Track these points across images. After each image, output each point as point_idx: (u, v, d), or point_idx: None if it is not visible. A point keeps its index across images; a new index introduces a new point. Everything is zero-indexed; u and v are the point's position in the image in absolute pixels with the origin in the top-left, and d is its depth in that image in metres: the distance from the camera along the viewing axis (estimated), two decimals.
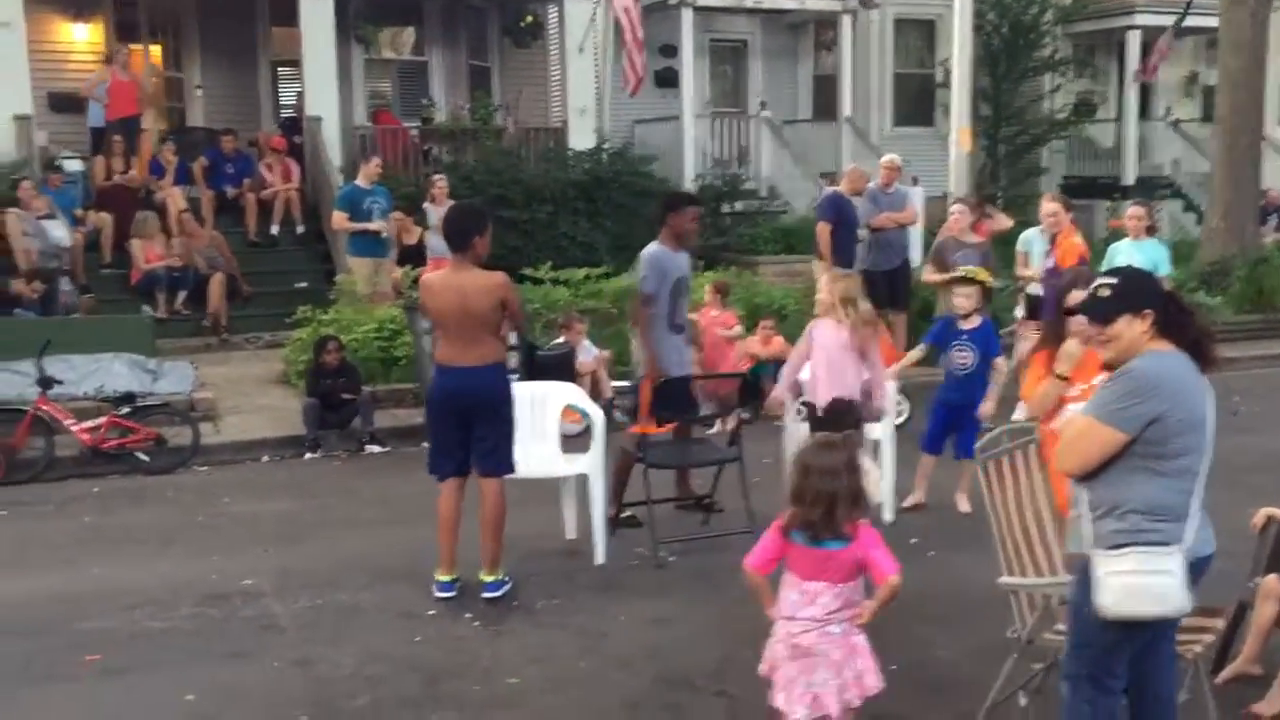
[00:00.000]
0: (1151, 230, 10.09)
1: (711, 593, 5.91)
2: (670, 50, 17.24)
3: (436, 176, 13.16)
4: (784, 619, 3.87)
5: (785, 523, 3.86)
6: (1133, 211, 10.04)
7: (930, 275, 9.64)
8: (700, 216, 7.13)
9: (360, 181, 12.20)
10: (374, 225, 11.84)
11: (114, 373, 9.59)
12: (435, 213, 12.87)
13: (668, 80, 17.55)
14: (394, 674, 5.02)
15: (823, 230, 11.05)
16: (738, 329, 10.23)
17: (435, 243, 12.62)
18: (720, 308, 10.29)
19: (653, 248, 6.78)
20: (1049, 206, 9.42)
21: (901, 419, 8.67)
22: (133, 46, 15.13)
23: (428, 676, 4.99)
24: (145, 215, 12.54)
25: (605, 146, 15.67)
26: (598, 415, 6.59)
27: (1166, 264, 9.59)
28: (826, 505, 3.74)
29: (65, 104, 14.72)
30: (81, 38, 15.18)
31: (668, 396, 6.66)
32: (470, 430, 5.86)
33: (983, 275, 7.53)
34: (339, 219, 12.11)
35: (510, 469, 5.97)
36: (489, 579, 5.90)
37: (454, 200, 12.83)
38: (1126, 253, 9.43)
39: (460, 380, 5.80)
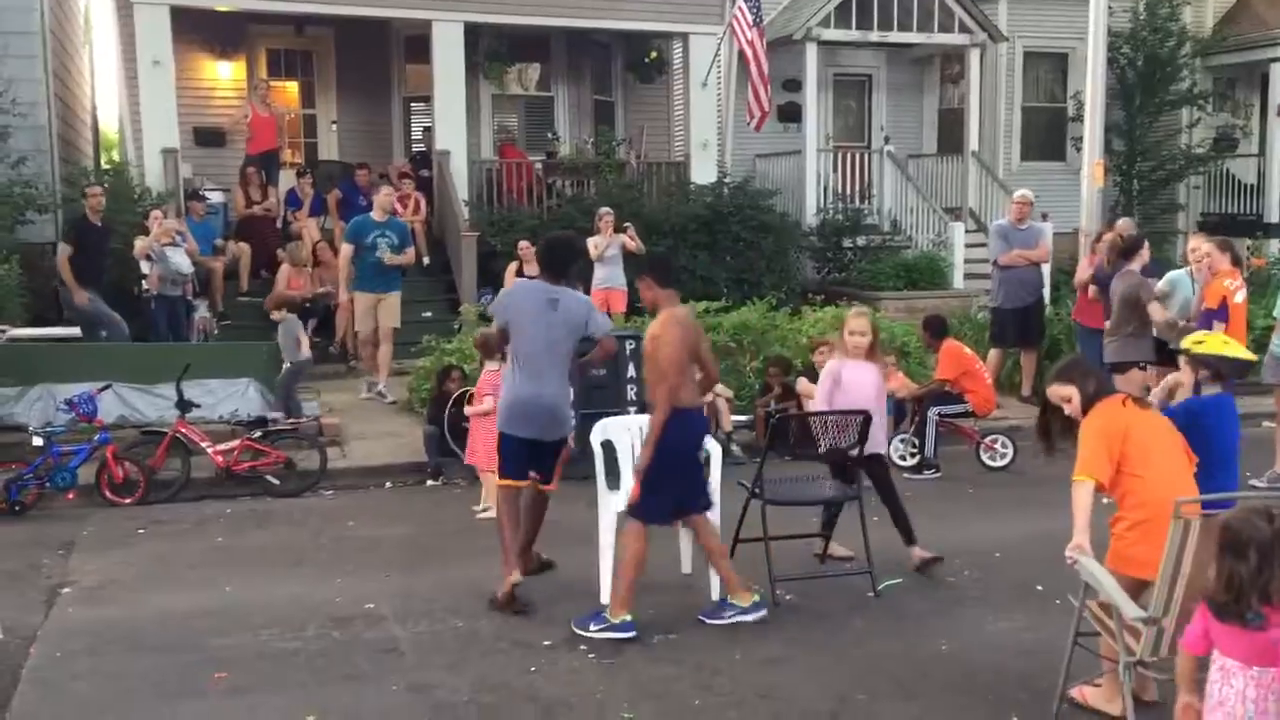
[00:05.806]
0: None
1: (826, 633, 5.83)
2: (794, 84, 17.21)
3: (604, 210, 13.06)
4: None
5: (1208, 596, 3.48)
6: None
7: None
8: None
9: (374, 214, 11.66)
10: (393, 259, 11.39)
11: (248, 397, 9.94)
12: (604, 243, 12.85)
13: (791, 114, 17.52)
14: (509, 703, 5.06)
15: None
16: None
17: (601, 273, 12.70)
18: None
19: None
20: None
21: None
22: (273, 83, 15.78)
23: (542, 707, 5.01)
24: (298, 243, 12.97)
25: (726, 180, 15.69)
26: (715, 449, 6.58)
27: None
28: (1243, 581, 3.35)
29: (209, 138, 15.41)
30: (225, 75, 15.88)
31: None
32: None
33: None
34: (344, 252, 11.57)
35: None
36: None
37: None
38: None
39: None
